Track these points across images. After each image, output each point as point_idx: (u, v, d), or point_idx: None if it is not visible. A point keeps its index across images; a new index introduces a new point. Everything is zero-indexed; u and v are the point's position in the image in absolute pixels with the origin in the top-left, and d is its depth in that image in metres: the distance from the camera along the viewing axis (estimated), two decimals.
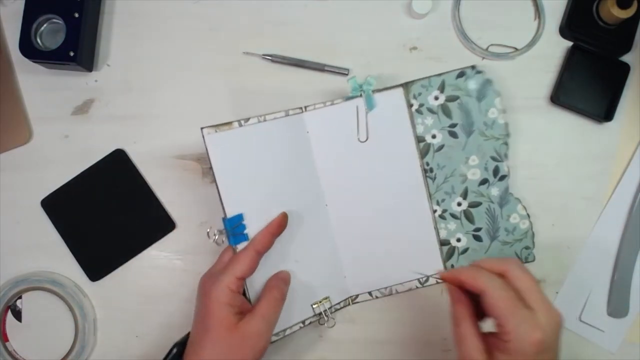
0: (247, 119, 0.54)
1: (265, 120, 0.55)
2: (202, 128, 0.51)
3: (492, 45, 0.62)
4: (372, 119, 0.58)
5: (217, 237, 0.55)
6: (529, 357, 0.42)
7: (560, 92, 0.61)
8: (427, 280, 0.60)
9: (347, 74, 0.62)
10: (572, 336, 0.60)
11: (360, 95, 0.58)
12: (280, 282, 0.54)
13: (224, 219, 0.53)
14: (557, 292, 0.61)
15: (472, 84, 0.59)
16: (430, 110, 0.59)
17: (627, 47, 0.61)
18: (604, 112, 0.60)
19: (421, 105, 0.59)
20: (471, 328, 0.44)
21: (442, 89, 0.59)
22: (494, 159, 0.60)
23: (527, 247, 0.60)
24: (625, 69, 0.61)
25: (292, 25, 0.63)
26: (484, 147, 0.60)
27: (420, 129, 0.59)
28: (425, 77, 0.59)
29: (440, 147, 0.60)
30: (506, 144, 0.60)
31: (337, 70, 0.62)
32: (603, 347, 0.60)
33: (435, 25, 0.63)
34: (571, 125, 0.62)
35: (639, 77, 0.62)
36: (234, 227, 0.53)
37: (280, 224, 0.54)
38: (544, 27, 0.62)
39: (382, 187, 0.59)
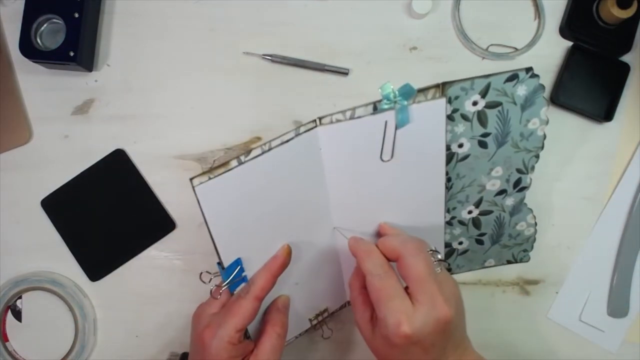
0: (249, 152, 0.45)
1: (270, 149, 0.46)
2: (191, 179, 0.44)
3: (492, 45, 0.62)
4: (401, 134, 0.49)
5: (212, 286, 0.49)
6: (397, 345, 0.42)
7: (560, 92, 0.61)
8: None
9: (347, 74, 0.62)
10: (572, 336, 0.60)
11: (393, 108, 0.47)
12: (281, 314, 0.51)
13: (219, 265, 0.48)
14: (557, 292, 0.61)
15: (522, 90, 0.50)
16: (464, 117, 0.51)
17: (627, 47, 0.61)
18: (604, 112, 0.60)
19: (455, 110, 0.51)
20: (359, 298, 0.47)
21: (484, 93, 0.50)
22: (519, 171, 0.55)
23: (524, 250, 0.60)
24: (625, 69, 0.61)
25: (292, 25, 0.63)
26: (513, 159, 0.54)
27: (447, 137, 0.51)
28: (468, 79, 0.50)
29: (465, 157, 0.53)
30: (537, 156, 0.54)
31: (337, 70, 0.62)
32: (603, 347, 0.60)
33: (435, 25, 0.63)
34: (571, 125, 0.62)
35: (639, 77, 0.62)
36: (232, 275, 0.48)
37: (284, 264, 0.49)
38: (544, 27, 0.62)
39: (398, 210, 0.53)
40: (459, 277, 0.62)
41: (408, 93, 0.47)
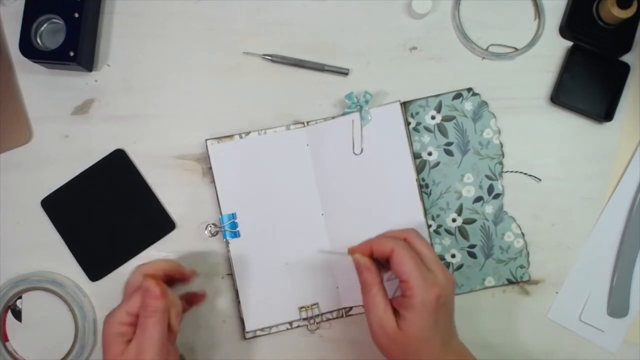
0: (248, 133, 0.60)
1: (265, 134, 0.60)
2: (206, 140, 0.59)
3: (492, 45, 0.62)
4: (368, 132, 0.60)
5: (211, 228, 0.60)
6: (430, 310, 0.46)
7: (560, 92, 0.61)
8: None
9: (347, 74, 0.62)
10: (572, 336, 0.60)
11: (357, 110, 0.59)
12: (153, 301, 0.48)
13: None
14: (557, 292, 0.61)
15: (468, 106, 0.61)
16: (427, 129, 0.61)
17: (627, 47, 0.61)
18: (604, 112, 0.60)
19: (418, 123, 0.61)
20: (380, 292, 0.49)
21: (438, 109, 0.61)
22: (488, 177, 0.61)
23: (521, 266, 0.60)
24: (625, 69, 0.61)
25: (292, 25, 0.63)
26: (479, 165, 0.61)
27: (417, 146, 0.61)
28: (423, 98, 0.61)
29: (436, 164, 0.61)
30: (501, 163, 0.61)
31: (337, 70, 0.62)
32: (603, 347, 0.60)
33: (435, 25, 0.63)
34: (571, 125, 0.62)
35: (639, 77, 0.62)
36: (226, 224, 0.59)
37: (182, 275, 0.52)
38: (544, 27, 0.62)
39: (378, 199, 0.60)
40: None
41: (366, 99, 0.59)
